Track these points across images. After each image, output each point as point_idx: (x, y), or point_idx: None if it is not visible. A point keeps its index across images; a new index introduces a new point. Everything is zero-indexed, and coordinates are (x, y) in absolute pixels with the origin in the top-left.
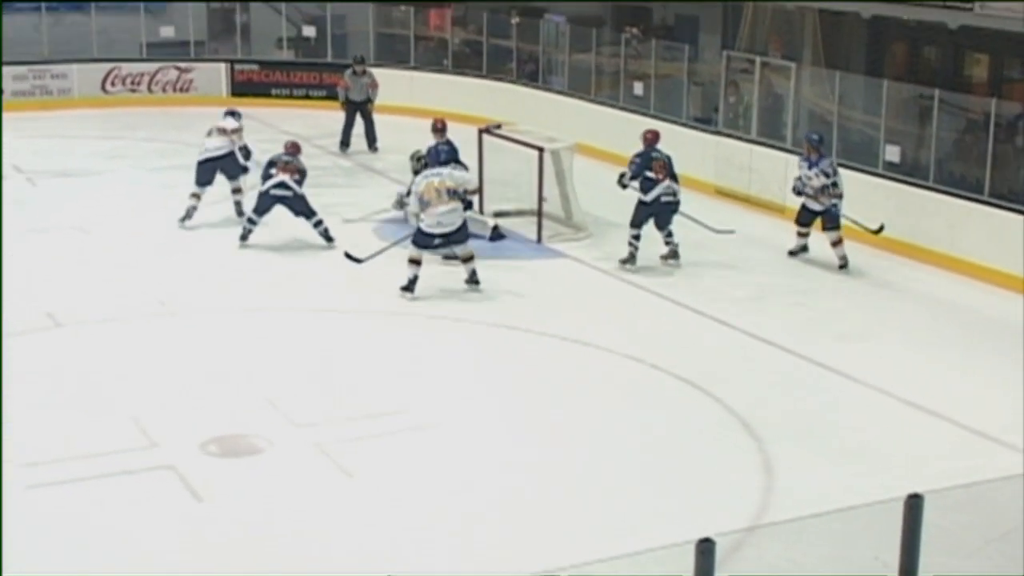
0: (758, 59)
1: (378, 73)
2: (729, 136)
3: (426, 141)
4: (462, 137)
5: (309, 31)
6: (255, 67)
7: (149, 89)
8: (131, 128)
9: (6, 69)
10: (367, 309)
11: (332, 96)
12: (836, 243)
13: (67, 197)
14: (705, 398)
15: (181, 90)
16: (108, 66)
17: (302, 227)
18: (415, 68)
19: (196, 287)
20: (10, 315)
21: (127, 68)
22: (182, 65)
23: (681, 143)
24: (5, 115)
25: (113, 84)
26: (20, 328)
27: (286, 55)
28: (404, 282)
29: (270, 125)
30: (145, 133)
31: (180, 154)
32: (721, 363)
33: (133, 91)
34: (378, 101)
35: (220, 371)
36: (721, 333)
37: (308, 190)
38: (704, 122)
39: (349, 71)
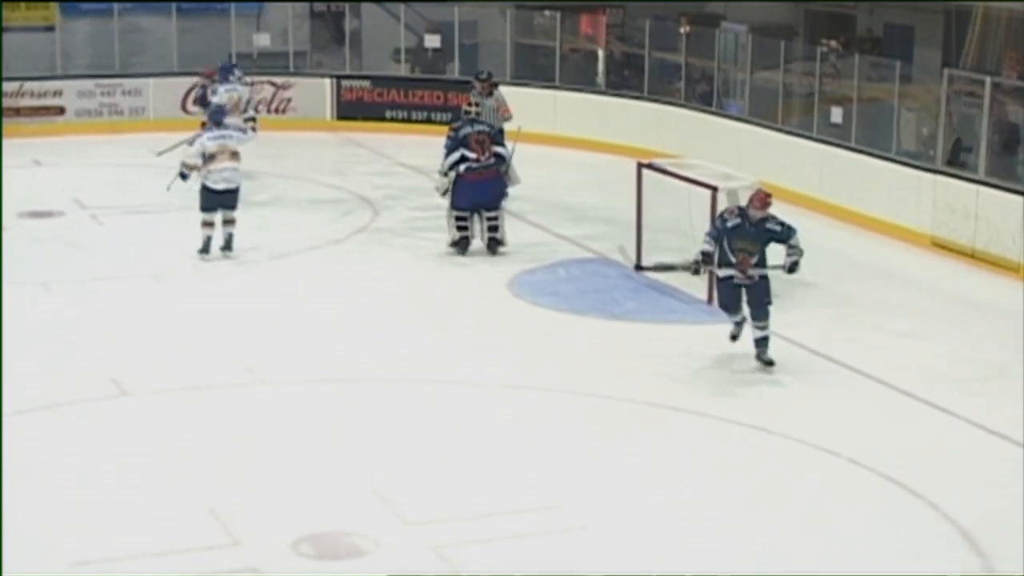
0: (988, 79)
1: (517, 93)
2: (951, 175)
3: (569, 176)
4: (617, 172)
5: (433, 41)
6: (366, 84)
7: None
8: None
9: (70, 83)
10: (491, 381)
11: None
12: None
13: (139, 239)
14: (917, 503)
15: (277, 111)
16: (190, 81)
17: (418, 281)
18: (561, 87)
19: (291, 351)
20: (69, 381)
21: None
22: (278, 81)
23: (890, 183)
24: (67, 137)
25: (195, 103)
26: (79, 396)
27: (404, 70)
28: (200, 245)
29: (383, 155)
30: None
31: (272, 188)
32: (938, 460)
33: None
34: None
35: (317, 453)
36: (939, 422)
37: (425, 239)
38: (919, 157)
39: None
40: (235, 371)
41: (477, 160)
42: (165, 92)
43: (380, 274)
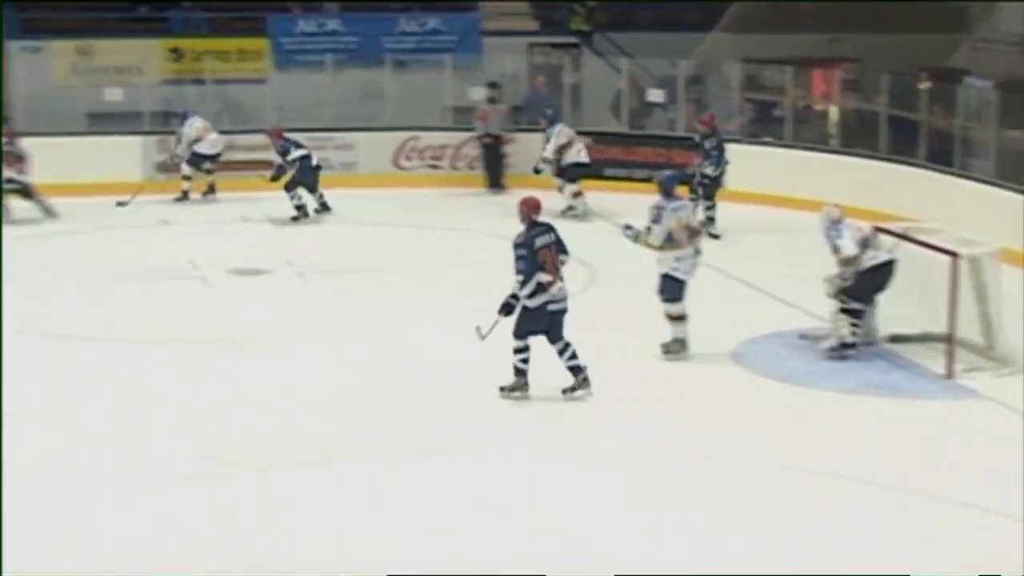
0: None
1: (745, 151)
2: None
3: (801, 239)
4: None
5: (656, 96)
6: (587, 140)
7: (453, 166)
8: (429, 213)
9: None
10: (719, 458)
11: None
12: None
13: (342, 300)
14: None
15: None
16: (403, 135)
17: (637, 345)
18: (791, 145)
19: (482, 423)
20: (276, 449)
21: (427, 139)
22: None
23: None
24: (277, 192)
25: (408, 158)
26: (288, 464)
27: (625, 126)
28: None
29: (602, 216)
30: (445, 221)
31: (487, 250)
32: None
33: (433, 167)
34: (734, 186)
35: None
36: None
37: (643, 301)
38: None
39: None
40: (420, 444)
41: (552, 282)
42: (377, 147)
43: (602, 340)
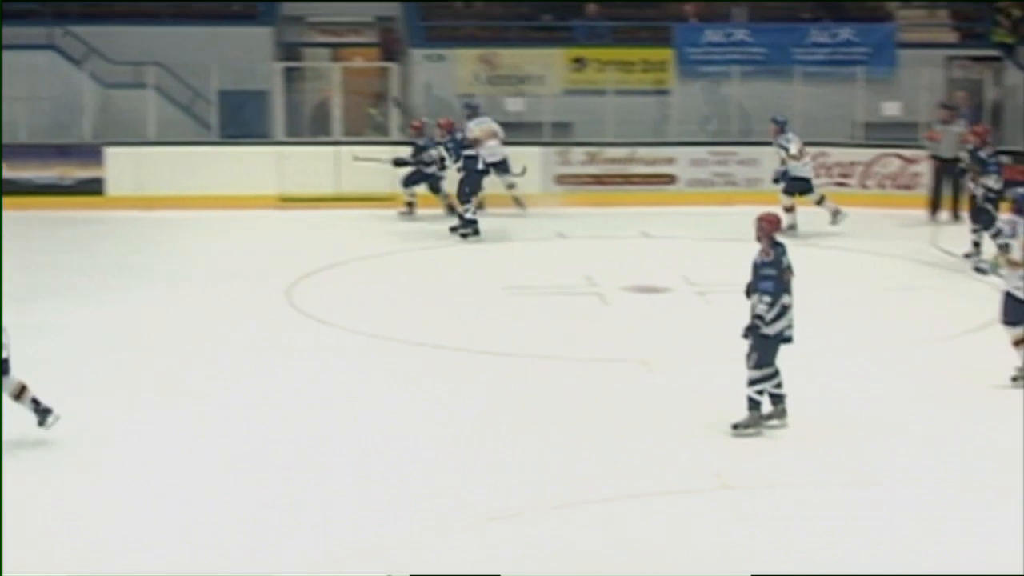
0: None
1: None
2: None
3: None
4: None
5: None
6: (1005, 160)
7: (862, 184)
8: (834, 234)
9: (683, 150)
10: None
11: None
12: None
13: (740, 323)
14: None
15: (903, 187)
16: (811, 151)
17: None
18: None
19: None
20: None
21: (836, 155)
22: (907, 154)
23: None
24: (677, 208)
25: (816, 175)
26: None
27: None
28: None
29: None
30: (854, 242)
31: (891, 275)
32: None
33: (841, 184)
34: None
35: None
36: None
37: None
38: None
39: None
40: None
41: (790, 306)
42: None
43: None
